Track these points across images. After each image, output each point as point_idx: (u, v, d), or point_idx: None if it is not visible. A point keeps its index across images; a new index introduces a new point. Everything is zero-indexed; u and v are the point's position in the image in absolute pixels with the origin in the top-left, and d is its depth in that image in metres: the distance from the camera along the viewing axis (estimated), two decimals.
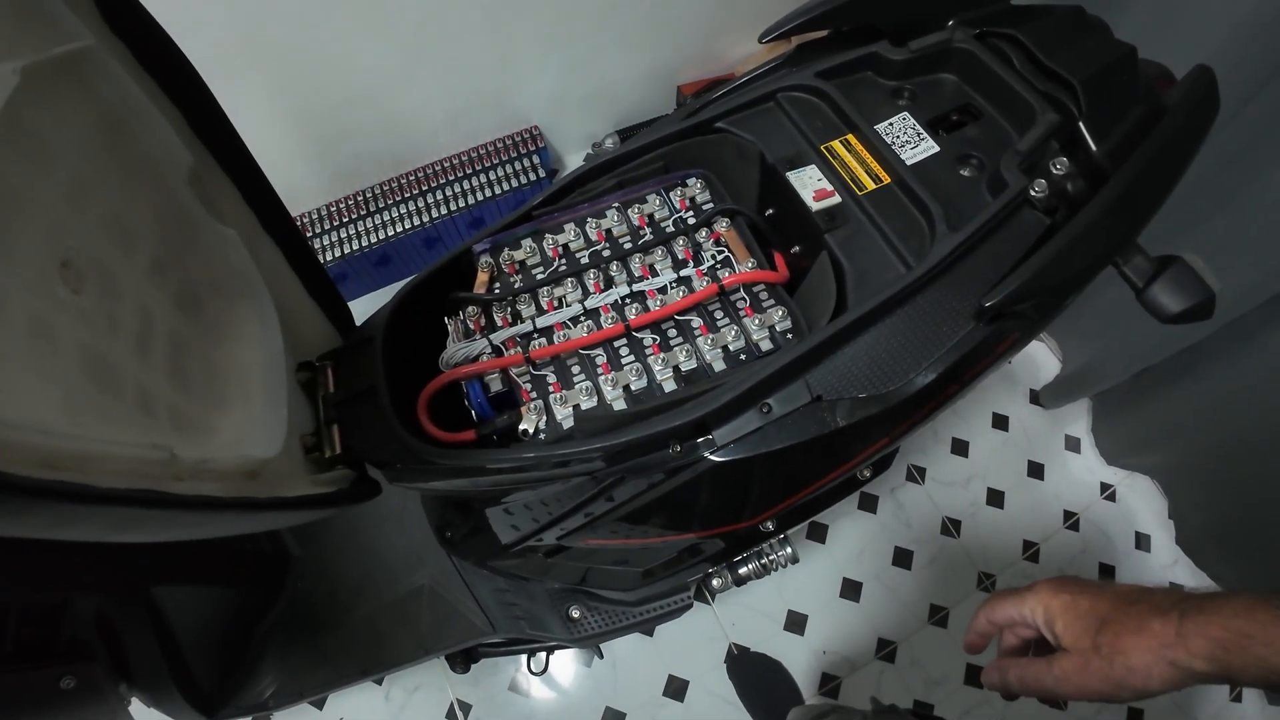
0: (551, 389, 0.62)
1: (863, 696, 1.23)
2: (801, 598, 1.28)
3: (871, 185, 0.65)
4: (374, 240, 1.53)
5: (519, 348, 0.64)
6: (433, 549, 0.96)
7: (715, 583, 0.81)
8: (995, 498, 1.41)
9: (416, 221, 1.54)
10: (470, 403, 0.62)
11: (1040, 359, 1.56)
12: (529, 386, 0.62)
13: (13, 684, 0.64)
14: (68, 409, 0.38)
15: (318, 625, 1.00)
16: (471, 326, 0.66)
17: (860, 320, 0.57)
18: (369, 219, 1.56)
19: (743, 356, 0.62)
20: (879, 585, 1.30)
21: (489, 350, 0.64)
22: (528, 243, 0.71)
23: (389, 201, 1.57)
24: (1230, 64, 0.82)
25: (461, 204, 1.55)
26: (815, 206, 0.64)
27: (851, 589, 1.30)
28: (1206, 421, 1.20)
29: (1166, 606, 0.40)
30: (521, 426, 0.60)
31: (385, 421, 0.63)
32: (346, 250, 1.53)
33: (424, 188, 1.57)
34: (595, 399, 0.61)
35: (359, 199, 1.58)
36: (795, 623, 1.27)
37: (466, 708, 1.26)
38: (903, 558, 1.34)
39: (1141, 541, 1.40)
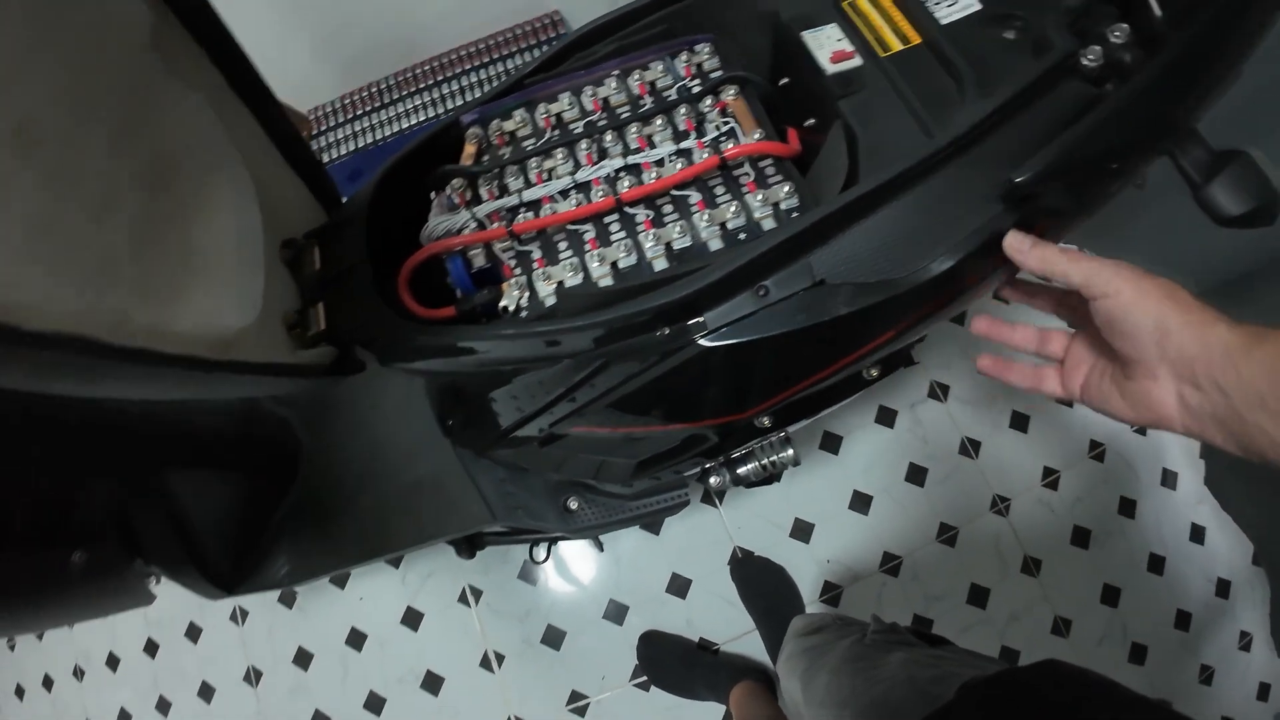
0: (536, 265, 0.59)
1: (863, 607, 1.24)
2: (809, 507, 1.28)
3: (898, 46, 0.58)
4: (388, 133, 1.49)
5: (504, 222, 0.60)
6: (437, 441, 0.96)
7: (713, 480, 0.80)
8: (1019, 421, 1.36)
9: (432, 113, 1.48)
10: (451, 278, 0.60)
11: None
12: (512, 262, 0.59)
13: (23, 562, 0.67)
14: (9, 262, 0.36)
15: (327, 511, 1.03)
16: (456, 201, 0.63)
17: (871, 195, 0.51)
18: (383, 111, 1.51)
19: (742, 236, 0.57)
20: (889, 499, 1.28)
21: (472, 224, 0.60)
22: (519, 113, 0.66)
23: (403, 93, 1.51)
24: None
25: (478, 94, 1.47)
26: (831, 69, 0.57)
27: (861, 501, 1.28)
28: None
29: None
30: (501, 303, 0.57)
31: (367, 299, 0.61)
32: (361, 144, 1.49)
33: (438, 78, 1.50)
34: (581, 276, 0.57)
35: (372, 91, 1.52)
36: (801, 530, 1.27)
37: (478, 593, 1.31)
38: (916, 474, 1.31)
39: (1168, 478, 1.34)
